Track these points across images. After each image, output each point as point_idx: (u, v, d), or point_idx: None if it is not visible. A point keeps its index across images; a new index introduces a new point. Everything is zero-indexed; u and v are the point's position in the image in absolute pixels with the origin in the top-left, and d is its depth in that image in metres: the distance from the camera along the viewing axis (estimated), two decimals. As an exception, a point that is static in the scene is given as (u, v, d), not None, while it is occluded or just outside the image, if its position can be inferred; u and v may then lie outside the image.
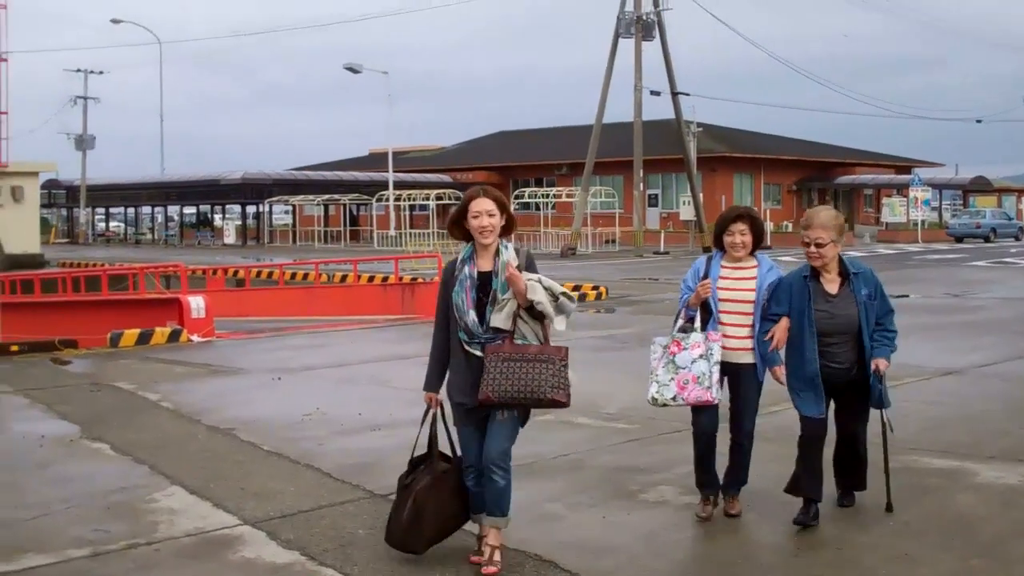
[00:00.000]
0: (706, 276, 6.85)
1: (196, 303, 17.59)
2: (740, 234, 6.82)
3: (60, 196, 78.63)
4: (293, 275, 32.77)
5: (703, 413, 6.81)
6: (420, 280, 26.15)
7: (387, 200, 55.88)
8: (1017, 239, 58.39)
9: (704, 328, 6.74)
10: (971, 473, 8.04)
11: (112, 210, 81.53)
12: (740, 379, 6.86)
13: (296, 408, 10.86)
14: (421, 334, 20.55)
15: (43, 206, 63.79)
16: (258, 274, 33.89)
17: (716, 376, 6.63)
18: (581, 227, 49.96)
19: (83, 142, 74.83)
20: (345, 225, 65.08)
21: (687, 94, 52.17)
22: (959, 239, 56.71)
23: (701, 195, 53.88)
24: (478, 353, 5.87)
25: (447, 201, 56.51)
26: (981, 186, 73.64)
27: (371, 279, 29.29)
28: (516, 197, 55.70)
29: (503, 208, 5.97)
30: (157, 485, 7.98)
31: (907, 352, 14.42)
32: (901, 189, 66.39)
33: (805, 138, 75.78)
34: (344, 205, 65.90)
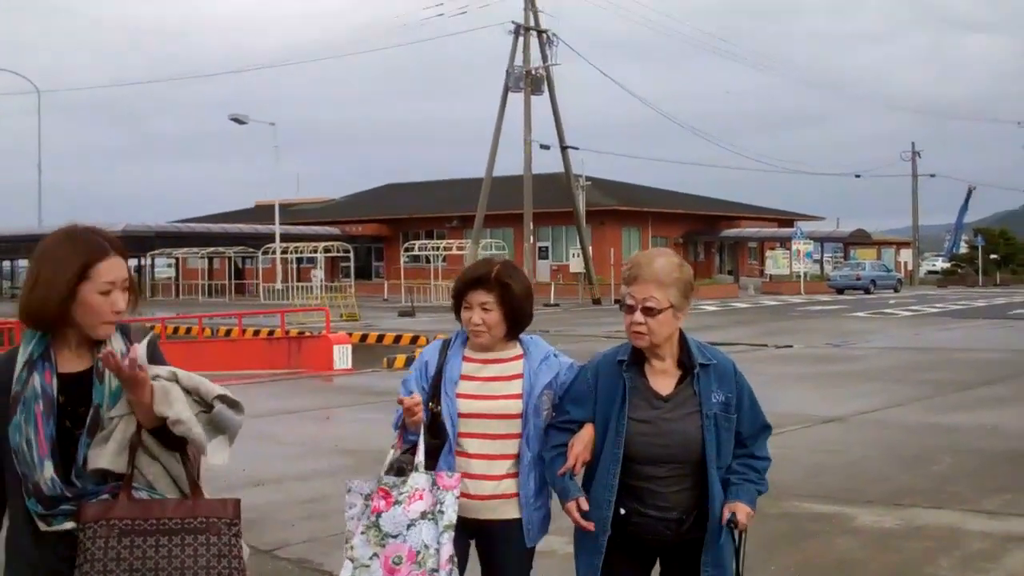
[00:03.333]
0: (437, 375, 4.22)
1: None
2: (481, 308, 4.17)
3: (-66, 249, 76.19)
4: (176, 329, 32.16)
5: None
6: (308, 333, 25.86)
7: (273, 253, 55.30)
8: (896, 290, 60.02)
9: (433, 465, 4.07)
10: (850, 517, 8.15)
11: (-11, 263, 79.16)
12: (495, 547, 4.23)
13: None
14: (308, 388, 20.43)
15: (-84, 259, 61.70)
16: (141, 328, 33.07)
17: (448, 550, 3.88)
18: (471, 279, 49.93)
19: (-41, 193, 72.65)
20: (230, 278, 64.20)
21: (576, 148, 52.84)
22: (840, 291, 58.07)
23: (591, 247, 54.41)
24: (67, 527, 3.22)
25: (336, 253, 56.16)
26: (861, 239, 75.72)
27: (256, 333, 28.88)
28: (406, 249, 55.63)
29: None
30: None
31: (791, 400, 14.76)
32: (784, 242, 67.92)
33: (693, 192, 77.19)
34: (229, 258, 65.05)
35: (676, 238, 69.25)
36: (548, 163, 55.56)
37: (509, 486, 4.15)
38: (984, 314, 36.58)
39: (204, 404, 3.35)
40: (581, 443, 3.99)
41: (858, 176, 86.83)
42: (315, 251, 56.37)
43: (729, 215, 73.43)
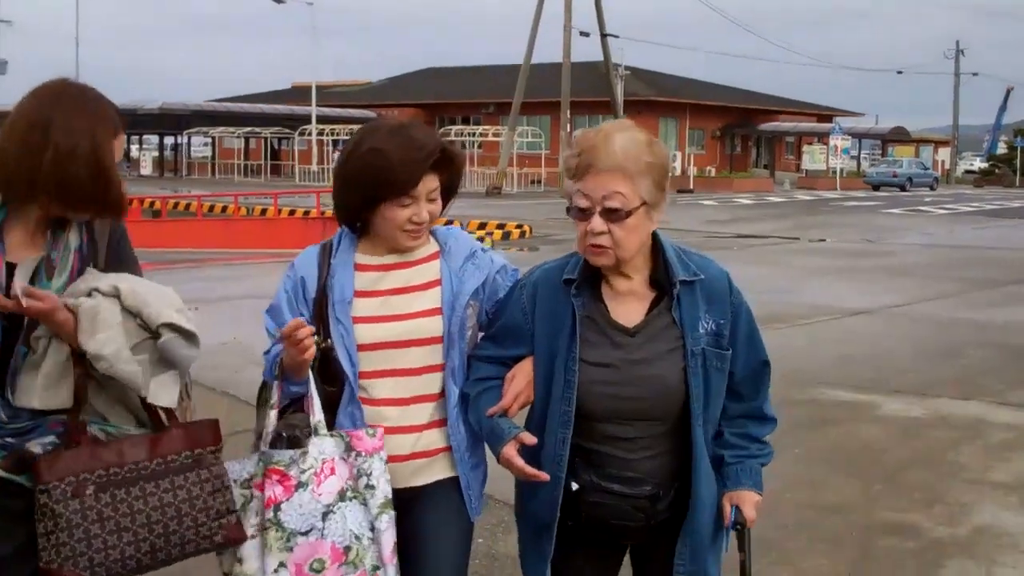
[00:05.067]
0: (320, 297, 3.03)
1: (112, 231, 17.35)
2: (428, 200, 3.00)
3: (-28, 122, 76.50)
4: (211, 207, 32.27)
5: None
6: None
7: (310, 134, 55.26)
8: (932, 188, 59.46)
9: (333, 423, 2.98)
10: (875, 406, 8.28)
11: (27, 138, 79.59)
12: (423, 525, 3.06)
13: (213, 337, 10.76)
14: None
15: (-45, 131, 62.10)
16: (175, 206, 33.39)
17: (390, 537, 2.90)
18: (507, 167, 49.89)
19: (-3, 67, 72.81)
20: (266, 159, 64.23)
21: (616, 36, 52.23)
22: (876, 187, 57.61)
23: (626, 138, 53.96)
24: (17, 481, 2.67)
25: (372, 137, 56.03)
26: (900, 136, 74.75)
27: (292, 213, 29.06)
28: (443, 135, 55.35)
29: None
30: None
31: (821, 292, 14.84)
32: (822, 137, 67.12)
33: (732, 85, 76.22)
34: (265, 139, 65.02)
35: (713, 130, 68.67)
36: (587, 51, 55.07)
37: (434, 439, 3.03)
38: (1019, 214, 36.23)
39: (148, 330, 2.72)
40: (525, 377, 2.94)
41: (900, 73, 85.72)
42: (351, 134, 56.08)
43: (767, 109, 72.54)
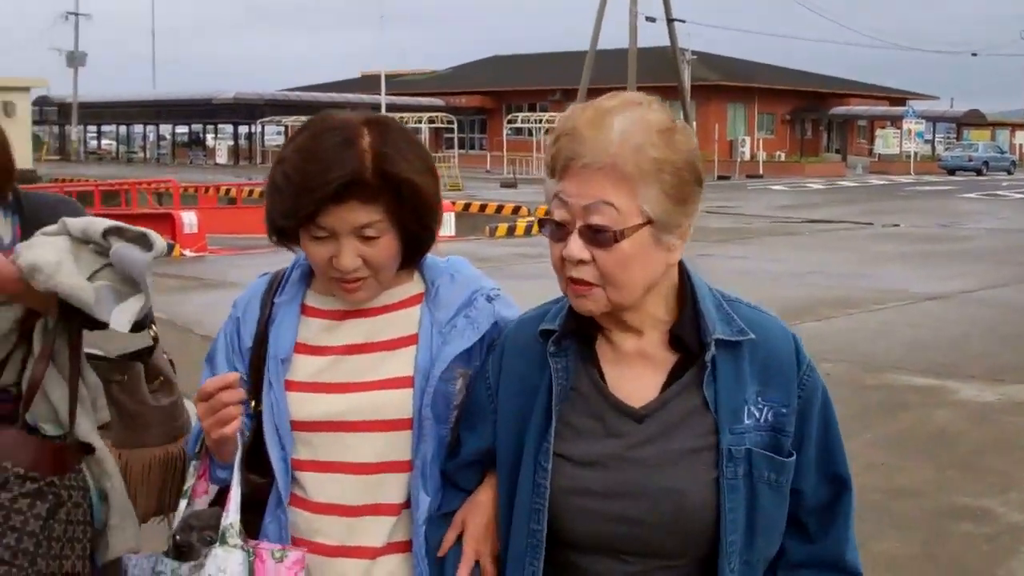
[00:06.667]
0: (257, 348, 2.12)
1: (188, 219, 17.75)
2: (358, 238, 1.97)
3: (51, 113, 78.03)
4: (285, 194, 32.59)
5: None
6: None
7: (379, 123, 55.63)
8: (1009, 172, 58.42)
9: (257, 527, 2.07)
10: (950, 391, 8.25)
11: (104, 128, 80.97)
12: None
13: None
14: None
15: (34, 123, 63.33)
16: (250, 193, 33.76)
17: None
18: (574, 153, 49.88)
19: (75, 58, 74.18)
20: (337, 147, 64.83)
21: (683, 20, 51.88)
22: (951, 172, 56.72)
23: (695, 123, 53.76)
24: None
25: (439, 124, 56.32)
26: (975, 120, 73.48)
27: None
28: (509, 122, 55.57)
29: None
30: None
31: (894, 277, 14.73)
32: (895, 121, 66.22)
33: (801, 68, 75.45)
34: (336, 127, 65.66)
35: (783, 115, 68.04)
36: (654, 37, 54.75)
37: (393, 569, 2.06)
38: (1101, 198, 35.56)
39: (101, 248, 2.35)
40: (482, 516, 2.00)
41: (975, 55, 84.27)
42: (419, 122, 56.59)
43: (838, 92, 71.70)
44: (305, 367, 2.06)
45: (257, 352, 2.10)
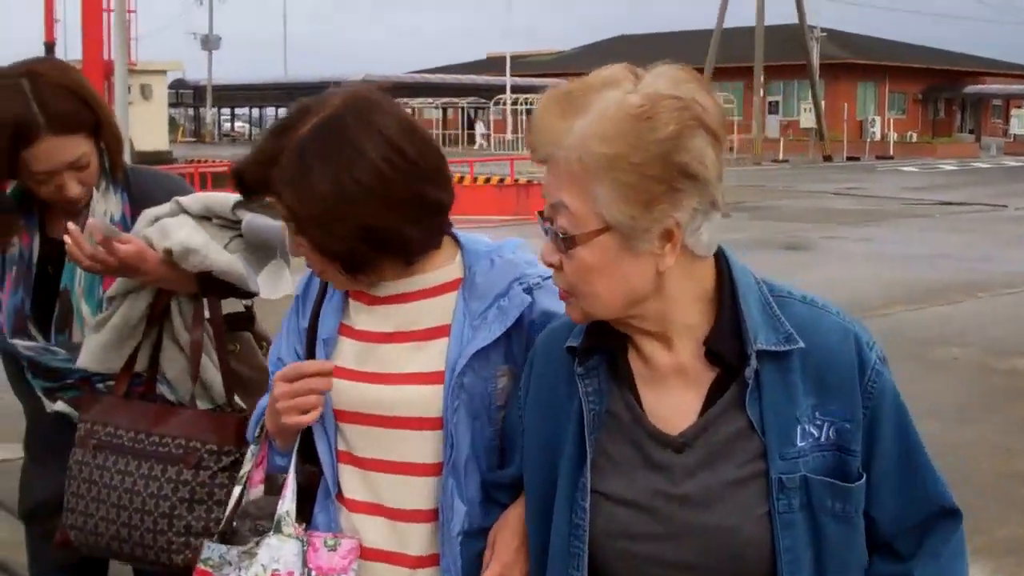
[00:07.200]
0: (311, 332, 1.97)
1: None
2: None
3: (187, 96, 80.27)
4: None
5: None
6: (536, 182, 26.43)
7: (504, 104, 55.99)
8: None
9: (309, 516, 1.96)
10: (1080, 377, 8.12)
11: (237, 110, 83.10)
12: None
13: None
14: (535, 233, 20.86)
15: (170, 105, 65.30)
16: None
17: None
18: (699, 133, 49.49)
19: (209, 42, 76.10)
20: (463, 128, 65.45)
21: (812, -2, 50.99)
22: (1092, 152, 54.88)
23: (823, 103, 52.89)
24: (60, 409, 2.60)
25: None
26: (1118, 98, 70.85)
27: (487, 180, 29.65)
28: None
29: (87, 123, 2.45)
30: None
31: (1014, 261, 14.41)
32: (1033, 100, 64.23)
33: (933, 45, 73.59)
34: (462, 108, 66.22)
35: (915, 94, 66.49)
36: (782, 13, 53.96)
37: (424, 541, 1.91)
38: None
39: (230, 223, 2.40)
40: (514, 539, 1.82)
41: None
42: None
43: (972, 71, 69.72)
44: (346, 352, 1.93)
45: (311, 333, 1.97)
